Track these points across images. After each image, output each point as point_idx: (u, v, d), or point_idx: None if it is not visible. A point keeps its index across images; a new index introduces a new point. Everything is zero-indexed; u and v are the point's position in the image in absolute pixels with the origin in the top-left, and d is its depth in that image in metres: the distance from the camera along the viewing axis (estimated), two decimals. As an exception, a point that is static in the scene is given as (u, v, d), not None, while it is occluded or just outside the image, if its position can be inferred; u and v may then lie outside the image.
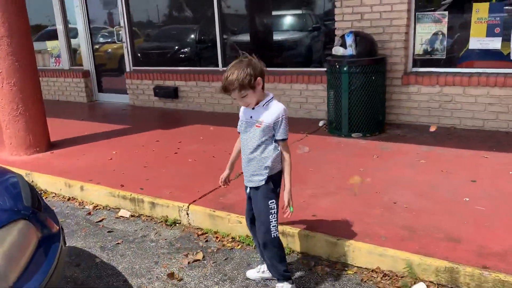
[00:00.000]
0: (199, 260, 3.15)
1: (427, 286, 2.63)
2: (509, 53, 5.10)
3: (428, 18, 5.46)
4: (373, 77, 5.15)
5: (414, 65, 5.63)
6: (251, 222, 2.73)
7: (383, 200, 3.51)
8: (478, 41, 5.23)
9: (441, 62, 5.48)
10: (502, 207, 3.26)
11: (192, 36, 7.78)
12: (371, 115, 5.25)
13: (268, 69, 7.10)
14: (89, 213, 4.06)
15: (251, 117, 2.48)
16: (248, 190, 2.66)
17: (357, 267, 2.91)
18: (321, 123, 5.96)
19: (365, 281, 2.78)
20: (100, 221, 3.89)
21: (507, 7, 5.04)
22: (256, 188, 2.55)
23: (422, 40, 5.55)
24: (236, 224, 3.41)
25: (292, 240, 3.15)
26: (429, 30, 5.49)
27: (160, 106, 7.94)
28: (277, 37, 7.02)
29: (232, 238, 3.41)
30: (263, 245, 2.59)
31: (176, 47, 7.98)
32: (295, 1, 6.73)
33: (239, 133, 2.62)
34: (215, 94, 7.23)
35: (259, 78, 2.36)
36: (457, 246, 2.78)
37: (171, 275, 2.98)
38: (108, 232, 3.68)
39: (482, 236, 2.87)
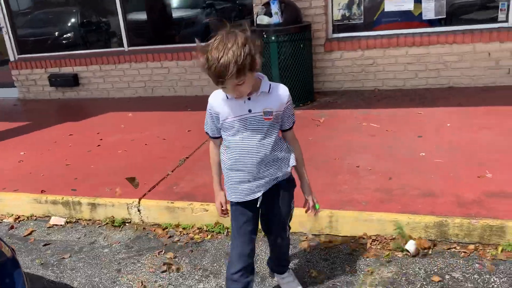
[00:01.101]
0: (170, 259, 2.77)
1: (416, 247, 2.61)
2: (420, 13, 5.35)
3: (344, -17, 5.49)
4: (301, 45, 5.04)
5: (335, 31, 5.65)
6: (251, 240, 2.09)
7: (345, 166, 3.44)
8: (392, 3, 5.40)
9: (360, 26, 5.57)
10: (457, 157, 3.38)
11: (90, 15, 6.94)
12: (303, 84, 5.16)
13: (172, 45, 6.68)
14: (12, 227, 3.37)
15: (249, 110, 1.86)
16: (259, 201, 1.99)
17: (342, 236, 2.79)
18: (248, 98, 5.73)
19: (355, 250, 2.67)
20: (29, 234, 3.25)
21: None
22: (283, 186, 2.04)
23: (340, 5, 5.57)
24: (201, 213, 3.06)
25: (268, 220, 2.92)
26: (347, -5, 5.53)
27: (59, 97, 7.02)
28: (180, 13, 6.58)
29: (198, 229, 3.07)
30: (280, 242, 2.21)
31: (72, 29, 7.06)
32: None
33: (212, 137, 2.03)
34: (124, 77, 6.59)
35: (258, 56, 1.73)
36: (435, 200, 2.80)
37: (140, 283, 2.57)
38: (44, 245, 3.08)
39: (454, 187, 2.93)
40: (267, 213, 2.10)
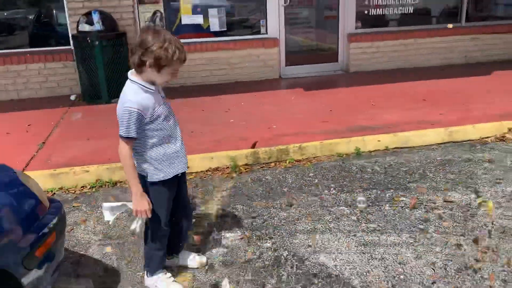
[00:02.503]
0: (66, 207, 3.52)
1: (242, 169, 4.09)
2: (208, 26, 7.03)
3: (148, 0, 6.72)
4: (121, 49, 6.05)
5: (144, 39, 6.80)
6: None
7: (184, 132, 4.69)
8: (187, 17, 6.91)
9: (164, 35, 6.88)
10: (254, 120, 5.05)
11: None
12: (123, 82, 6.14)
13: (1, 51, 6.72)
14: None
15: (162, 97, 2.30)
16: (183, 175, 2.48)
17: (194, 172, 4.06)
18: (72, 97, 6.35)
19: (204, 178, 3.98)
20: None
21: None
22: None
23: (146, 18, 6.78)
24: (82, 175, 3.86)
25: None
26: (150, 9, 6.77)
27: None
28: (5, 17, 6.71)
29: (82, 187, 3.85)
30: (190, 220, 2.71)
31: None
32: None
33: (133, 139, 2.19)
34: None
35: None
36: (248, 142, 4.35)
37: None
38: None
39: (257, 134, 4.55)
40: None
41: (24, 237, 1.79)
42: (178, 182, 2.45)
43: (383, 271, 2.62)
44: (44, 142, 4.56)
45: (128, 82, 2.23)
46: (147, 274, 2.56)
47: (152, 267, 2.52)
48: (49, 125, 5.12)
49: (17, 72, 6.42)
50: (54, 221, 2.02)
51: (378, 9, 7.46)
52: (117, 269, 2.76)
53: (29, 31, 6.85)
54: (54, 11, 6.79)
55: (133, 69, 2.21)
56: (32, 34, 6.83)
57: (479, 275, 2.55)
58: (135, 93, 2.17)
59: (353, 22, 7.32)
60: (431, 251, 2.79)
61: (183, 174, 2.48)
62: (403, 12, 7.57)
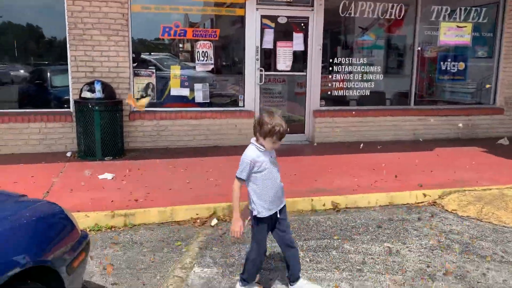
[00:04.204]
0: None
1: (221, 219, 4.90)
2: (193, 97, 8.08)
3: (142, 73, 7.77)
4: (117, 114, 6.96)
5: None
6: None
7: (164, 189, 5.52)
8: (176, 90, 7.96)
9: (154, 103, 7.88)
10: (229, 179, 5.92)
11: None
12: (118, 143, 7.01)
13: (7, 110, 7.58)
14: None
15: (271, 156, 3.20)
16: (276, 214, 3.24)
17: (180, 220, 4.83)
18: (69, 154, 7.13)
19: (188, 226, 4.75)
20: None
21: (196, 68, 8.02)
22: (284, 206, 3.32)
23: (139, 88, 7.79)
24: (83, 220, 4.59)
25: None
26: (144, 81, 7.80)
27: None
28: (12, 80, 7.59)
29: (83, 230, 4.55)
30: (294, 246, 3.39)
31: None
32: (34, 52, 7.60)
33: (244, 180, 3.14)
34: None
35: None
36: (226, 197, 5.19)
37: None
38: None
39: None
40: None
41: (69, 252, 2.55)
42: (276, 220, 3.29)
43: (325, 298, 3.42)
44: (48, 192, 5.28)
45: (250, 144, 3.21)
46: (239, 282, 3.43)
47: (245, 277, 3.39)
48: (50, 177, 5.86)
49: (19, 129, 7.20)
50: (84, 243, 2.79)
51: (339, 91, 8.74)
52: (117, 292, 3.48)
53: (33, 93, 7.72)
54: (58, 78, 7.74)
55: (254, 136, 3.20)
56: (35, 96, 7.70)
57: (397, 302, 3.38)
58: (251, 150, 3.15)
59: (317, 100, 8.53)
60: (364, 285, 3.62)
61: (281, 213, 3.30)
62: (360, 94, 8.86)
